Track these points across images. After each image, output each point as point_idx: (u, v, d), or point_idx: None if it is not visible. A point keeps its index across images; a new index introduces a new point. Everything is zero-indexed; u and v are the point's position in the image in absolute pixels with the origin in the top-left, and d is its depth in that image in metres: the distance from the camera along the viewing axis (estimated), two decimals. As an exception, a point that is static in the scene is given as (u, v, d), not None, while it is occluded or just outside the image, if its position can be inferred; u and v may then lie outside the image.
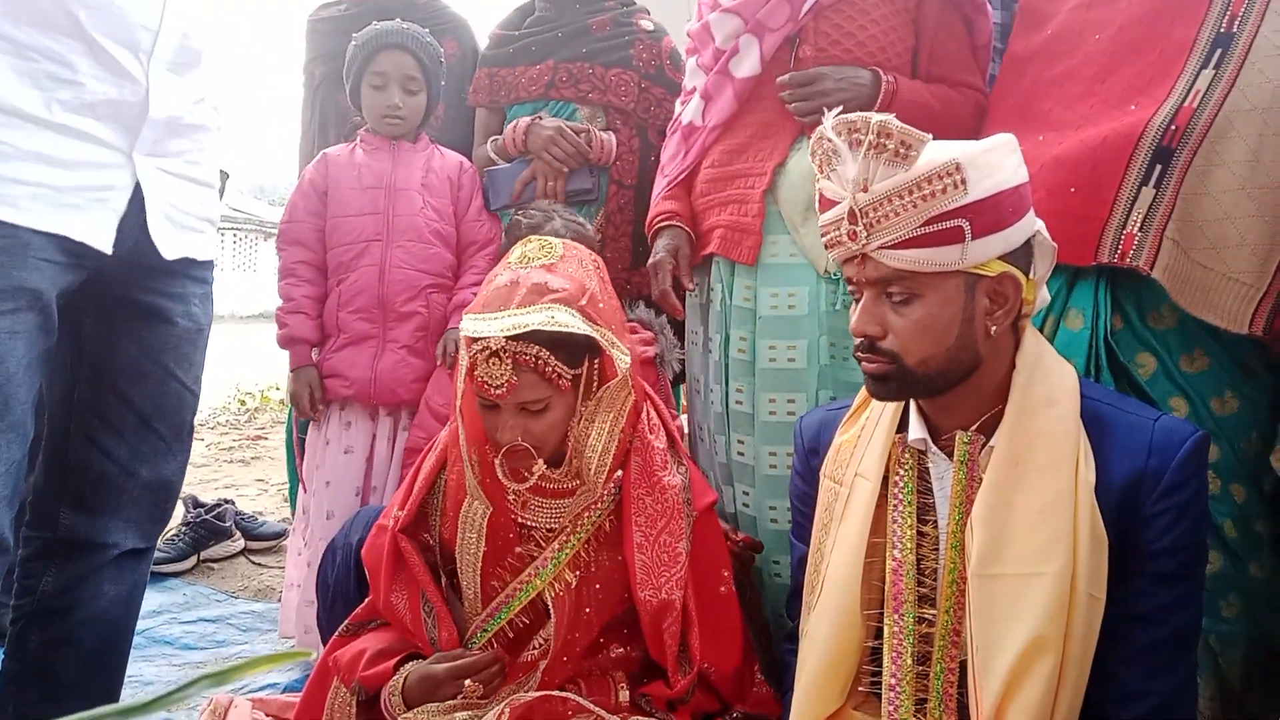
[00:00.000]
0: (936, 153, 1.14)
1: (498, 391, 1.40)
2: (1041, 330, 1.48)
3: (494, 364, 1.39)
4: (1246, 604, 1.43)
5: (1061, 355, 1.45)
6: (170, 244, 1.53)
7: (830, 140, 1.18)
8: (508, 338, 1.38)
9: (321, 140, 2.60)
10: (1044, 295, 1.31)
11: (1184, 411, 1.43)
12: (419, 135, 2.33)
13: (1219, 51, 1.42)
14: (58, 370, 1.56)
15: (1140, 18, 1.51)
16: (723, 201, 1.93)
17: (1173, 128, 1.40)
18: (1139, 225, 1.40)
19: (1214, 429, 1.42)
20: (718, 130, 1.96)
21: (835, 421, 1.44)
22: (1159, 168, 1.40)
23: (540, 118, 2.27)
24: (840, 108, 1.19)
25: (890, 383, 1.23)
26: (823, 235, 1.24)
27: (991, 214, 1.15)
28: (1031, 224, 1.22)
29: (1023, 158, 1.41)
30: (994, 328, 1.21)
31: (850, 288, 1.27)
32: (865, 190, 1.15)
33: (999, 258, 1.18)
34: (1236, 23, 1.43)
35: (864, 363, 1.24)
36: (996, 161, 1.17)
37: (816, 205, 1.26)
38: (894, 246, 1.15)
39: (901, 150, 1.12)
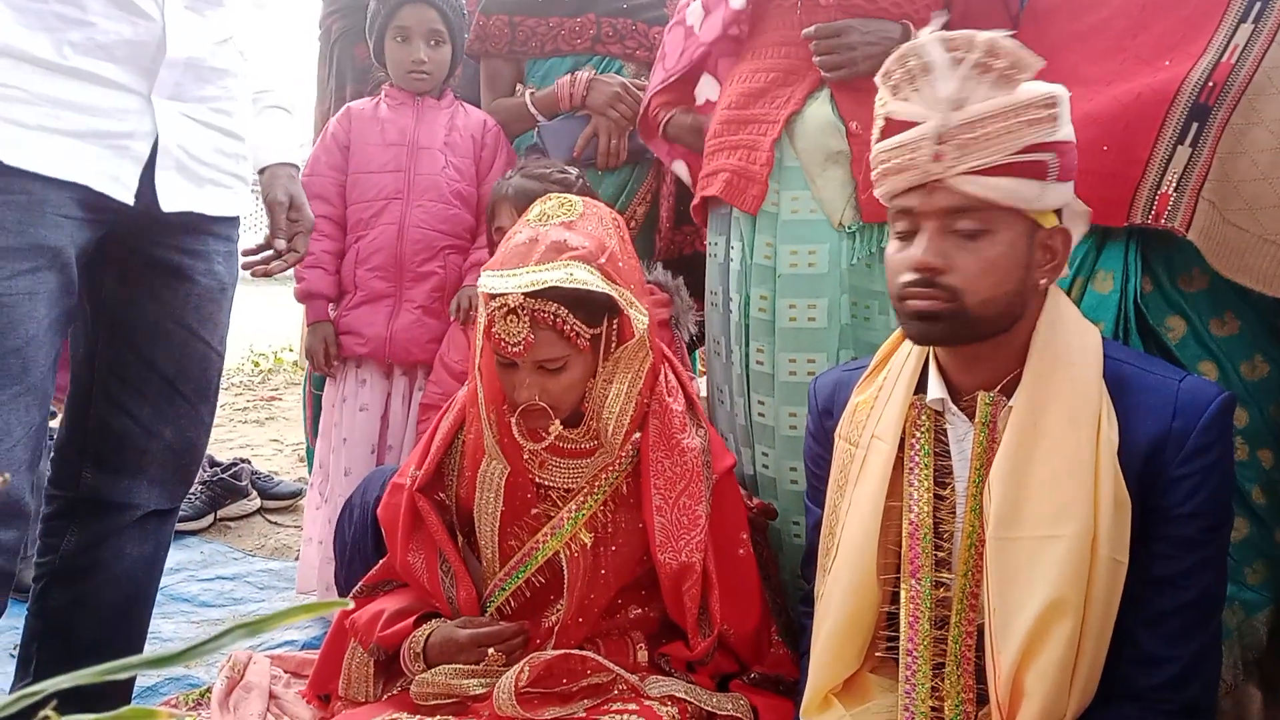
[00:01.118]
0: (1033, 83, 1.11)
1: (515, 349, 1.39)
2: (1069, 292, 1.46)
3: (511, 321, 1.38)
4: (1272, 571, 1.42)
5: (1089, 318, 1.43)
6: (175, 196, 1.46)
7: (921, 57, 1.12)
8: (525, 295, 1.37)
9: (339, 95, 2.58)
10: (1099, 274, 1.32)
11: (1214, 376, 1.41)
12: (444, 91, 2.30)
13: (1258, 5, 1.38)
14: (79, 329, 1.54)
15: None
16: (733, 145, 1.88)
17: (1210, 84, 1.36)
18: (1174, 185, 1.37)
19: (1243, 394, 1.40)
20: (705, 49, 1.96)
21: (850, 382, 1.41)
22: (1195, 126, 1.36)
23: (592, 73, 2.21)
24: (933, 23, 1.15)
25: (941, 322, 1.16)
26: (883, 161, 1.18)
27: (1068, 159, 1.15)
28: (1073, 190, 1.21)
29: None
30: (1044, 280, 1.19)
31: (901, 224, 1.20)
32: (959, 109, 1.10)
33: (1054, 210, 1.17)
34: (1277, -27, 1.38)
35: (915, 300, 1.16)
36: (1069, 111, 1.16)
37: (876, 132, 1.20)
38: (983, 173, 1.10)
39: (1011, 72, 1.08)
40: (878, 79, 1.18)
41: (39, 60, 1.30)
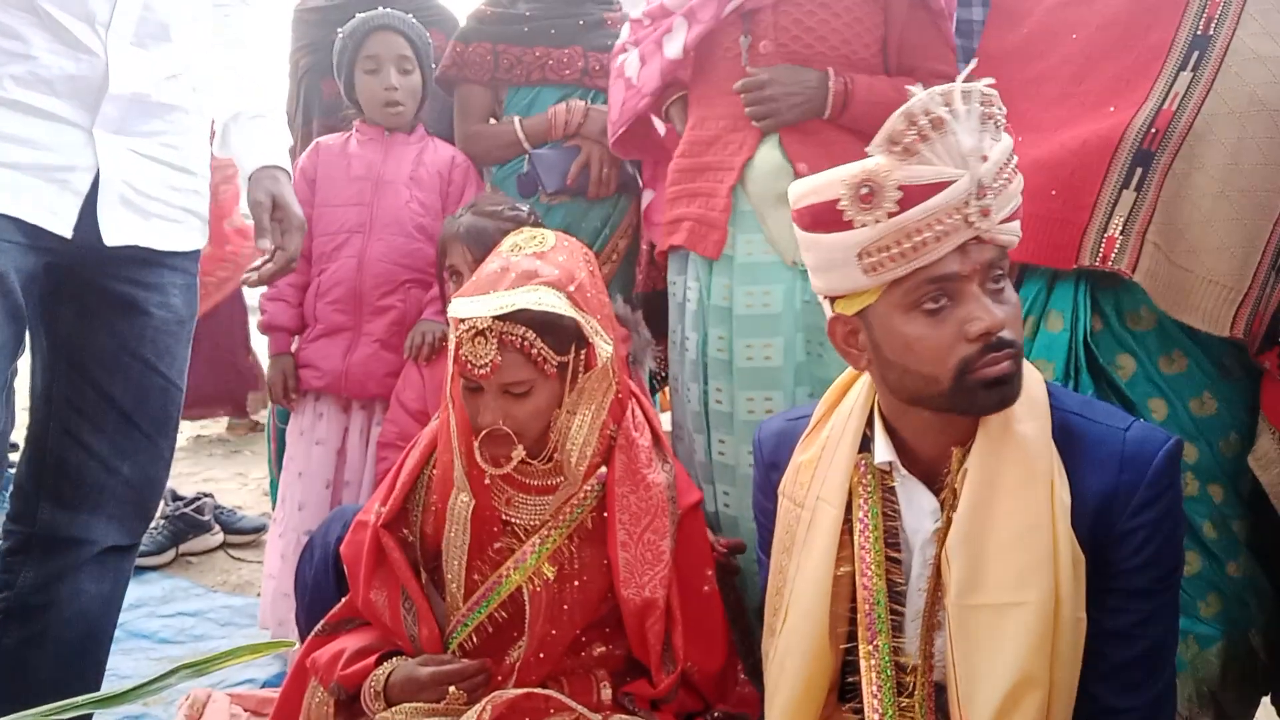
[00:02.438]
0: None
1: (481, 371, 1.40)
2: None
3: (479, 343, 1.39)
4: (1225, 604, 1.44)
5: (1041, 357, 1.46)
6: (118, 230, 1.46)
7: (933, 112, 1.05)
8: (494, 318, 1.38)
9: (305, 130, 2.58)
10: (1051, 315, 1.38)
11: (1163, 412, 1.44)
12: (415, 125, 2.32)
13: (1196, 54, 1.43)
14: (37, 364, 1.53)
15: (1117, 19, 1.51)
16: (691, 194, 1.93)
17: (1152, 130, 1.41)
18: (1120, 228, 1.41)
19: (1192, 429, 1.43)
20: (649, 99, 1.99)
21: (794, 434, 1.36)
22: (1139, 170, 1.41)
23: (587, 103, 2.23)
24: (919, 86, 1.09)
25: (1016, 379, 1.10)
26: (921, 233, 1.06)
27: None
28: None
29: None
30: None
31: (930, 300, 1.09)
32: (986, 160, 1.06)
33: None
34: (1213, 25, 1.43)
35: (995, 366, 1.08)
36: None
37: (892, 205, 1.07)
38: (1009, 220, 1.10)
39: (1002, 119, 1.09)
40: (875, 147, 1.08)
41: None
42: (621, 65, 2.07)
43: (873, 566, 1.21)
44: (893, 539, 1.22)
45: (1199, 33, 1.44)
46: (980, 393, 1.10)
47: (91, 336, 1.52)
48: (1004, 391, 1.10)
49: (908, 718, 1.19)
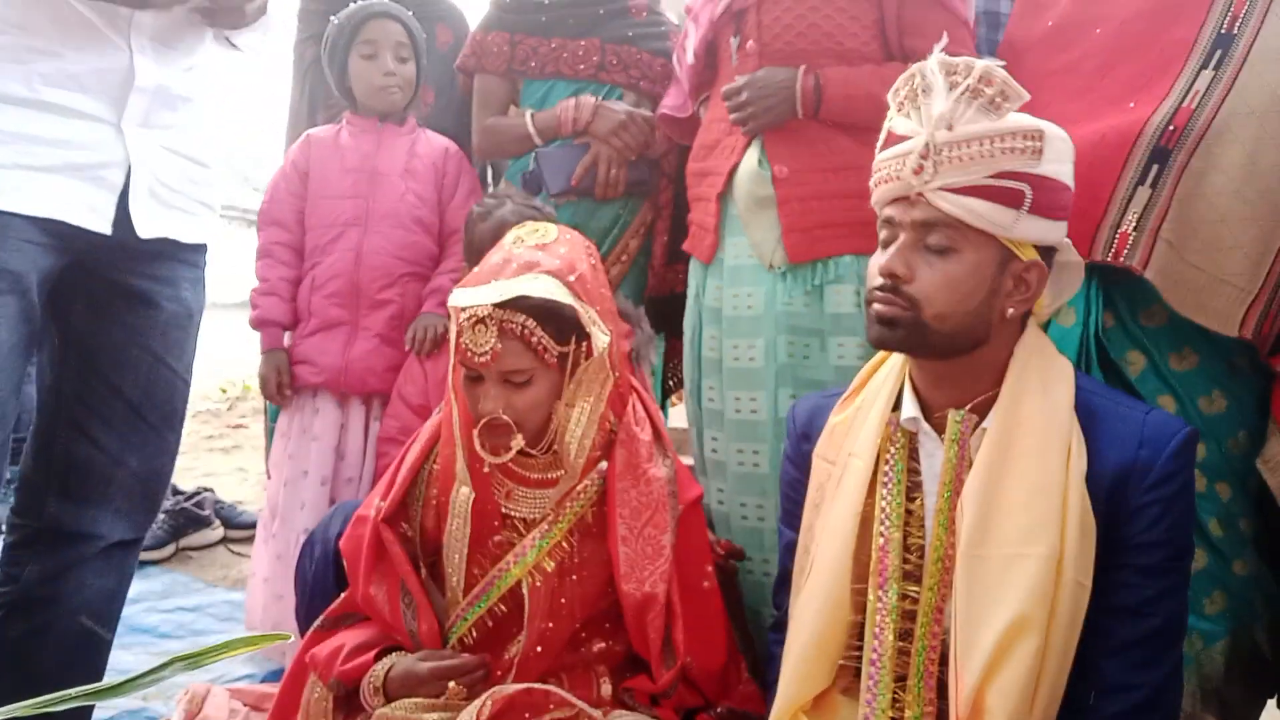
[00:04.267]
0: (1020, 115, 1.17)
1: (482, 359, 1.39)
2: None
3: (480, 330, 1.39)
4: (1230, 602, 1.44)
5: (1053, 350, 1.46)
6: (149, 222, 1.48)
7: (924, 77, 1.18)
8: (495, 305, 1.38)
9: (309, 122, 2.57)
10: (1062, 309, 1.37)
11: (1172, 409, 1.43)
12: (406, 117, 2.29)
13: (1219, 52, 1.42)
14: (46, 358, 1.53)
15: (1142, 13, 1.50)
16: (695, 198, 1.97)
17: (1171, 128, 1.40)
18: (1134, 225, 1.40)
19: (1201, 427, 1.41)
20: (688, 102, 2.01)
21: (828, 408, 1.44)
22: (1156, 168, 1.40)
23: (598, 99, 2.16)
24: (936, 52, 1.20)
25: (899, 329, 1.22)
26: (877, 171, 1.24)
27: (1049, 195, 1.18)
28: (1064, 233, 1.25)
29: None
30: (1011, 310, 1.23)
31: (883, 233, 1.25)
32: (949, 129, 1.15)
33: (1035, 245, 1.21)
34: (1237, 24, 1.42)
35: (878, 304, 1.22)
36: (1065, 153, 1.21)
37: (880, 144, 1.25)
38: (957, 190, 1.16)
39: (998, 100, 1.14)
40: (890, 96, 1.24)
41: (10, 96, 1.31)
42: (675, 59, 2.07)
43: (891, 517, 1.27)
44: (914, 494, 1.28)
45: (1223, 31, 1.43)
46: (869, 325, 1.26)
47: (103, 330, 1.53)
48: (880, 331, 1.24)
49: (904, 661, 1.23)
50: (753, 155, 1.82)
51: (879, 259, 1.24)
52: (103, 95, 1.40)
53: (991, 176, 1.15)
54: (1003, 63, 1.19)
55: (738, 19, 1.84)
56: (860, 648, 1.27)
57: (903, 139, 1.20)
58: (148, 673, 0.41)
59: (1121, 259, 1.41)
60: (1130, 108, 1.44)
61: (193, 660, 0.40)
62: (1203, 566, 1.42)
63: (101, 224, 1.41)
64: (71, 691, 0.39)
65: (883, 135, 1.24)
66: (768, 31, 1.80)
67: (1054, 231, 1.22)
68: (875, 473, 1.30)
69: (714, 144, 1.92)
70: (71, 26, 1.35)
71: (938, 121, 1.16)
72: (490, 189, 2.54)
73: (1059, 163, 1.20)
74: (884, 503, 1.28)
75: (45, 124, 1.34)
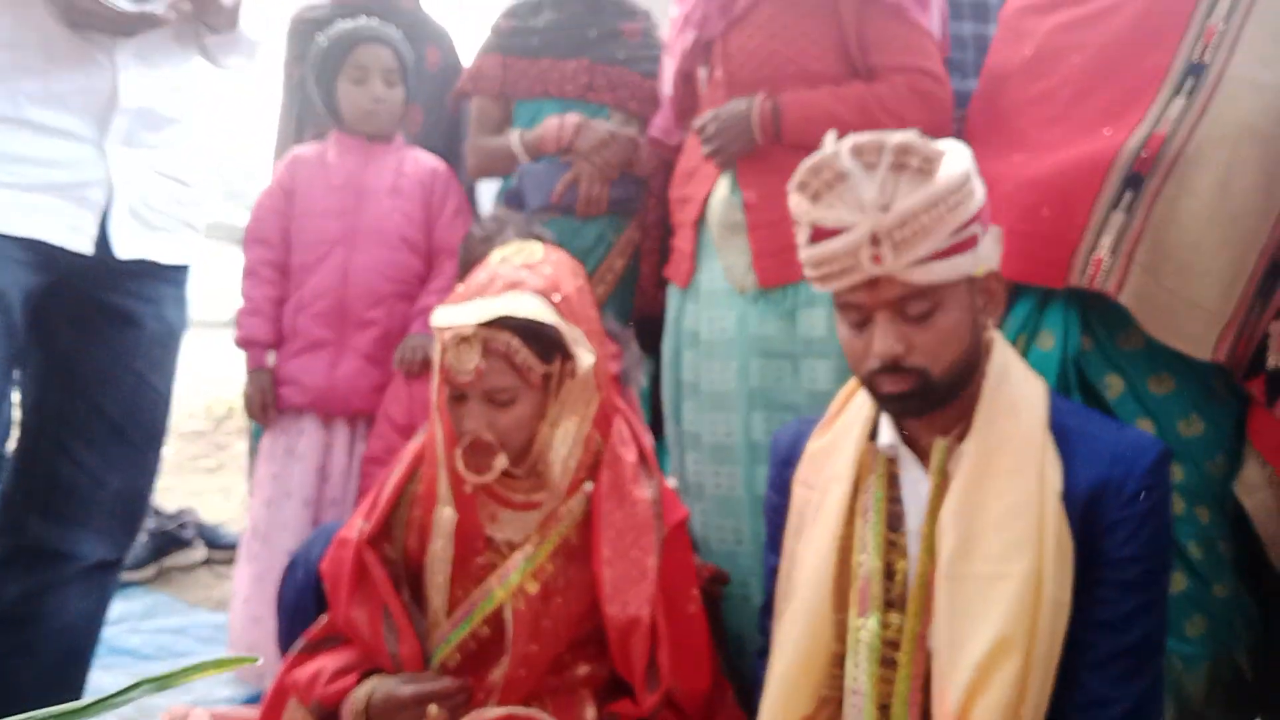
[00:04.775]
0: (946, 164, 1.15)
1: (465, 377, 1.40)
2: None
3: (463, 349, 1.39)
4: (1211, 625, 1.45)
5: (1033, 373, 1.47)
6: (129, 243, 1.47)
7: (835, 168, 1.16)
8: (479, 324, 1.38)
9: (298, 140, 2.56)
10: (1041, 332, 1.42)
11: (1151, 433, 1.43)
12: (394, 135, 2.29)
13: (1191, 80, 1.44)
14: (29, 377, 1.53)
15: (1117, 42, 1.52)
16: (675, 224, 2.01)
17: (1144, 154, 1.42)
18: (1109, 250, 1.42)
19: (1180, 450, 1.43)
20: (673, 132, 2.05)
21: (809, 433, 1.45)
22: (1129, 193, 1.42)
23: (582, 118, 2.17)
24: (833, 132, 1.19)
25: (915, 398, 1.22)
26: (822, 266, 1.20)
27: (987, 215, 1.21)
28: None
29: (998, 176, 1.42)
30: (990, 321, 1.26)
31: (850, 315, 1.24)
32: (887, 210, 1.13)
33: None
34: (1208, 52, 1.45)
35: (887, 385, 1.22)
36: (973, 164, 1.21)
37: (804, 238, 1.22)
38: (923, 262, 1.15)
39: (926, 166, 1.13)
40: (791, 187, 1.21)
41: None
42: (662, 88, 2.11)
43: (871, 545, 1.27)
44: (895, 522, 1.29)
45: (1194, 60, 1.45)
46: (883, 403, 1.27)
47: (85, 349, 1.52)
48: (903, 404, 1.24)
49: (887, 689, 1.23)
50: (724, 182, 1.84)
51: (864, 341, 1.22)
52: (87, 114, 1.40)
53: (950, 235, 1.15)
54: (915, 132, 1.16)
55: (706, 50, 1.86)
56: (841, 676, 1.27)
57: (835, 231, 1.16)
58: (117, 693, 0.41)
59: (1096, 284, 1.42)
60: (1105, 134, 1.46)
61: (162, 681, 0.40)
62: (1182, 589, 1.43)
63: (83, 244, 1.40)
64: (39, 713, 0.39)
65: (805, 230, 1.20)
66: (733, 60, 1.82)
67: (992, 239, 1.24)
68: (855, 500, 1.31)
69: (692, 170, 1.94)
70: (58, 46, 1.35)
71: (874, 205, 1.14)
72: (476, 209, 2.54)
73: (978, 178, 1.20)
74: (864, 531, 1.29)
75: (29, 143, 1.34)
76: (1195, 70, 1.44)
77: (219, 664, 0.41)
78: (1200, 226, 1.38)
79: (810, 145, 1.74)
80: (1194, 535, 1.44)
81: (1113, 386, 1.47)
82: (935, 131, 1.49)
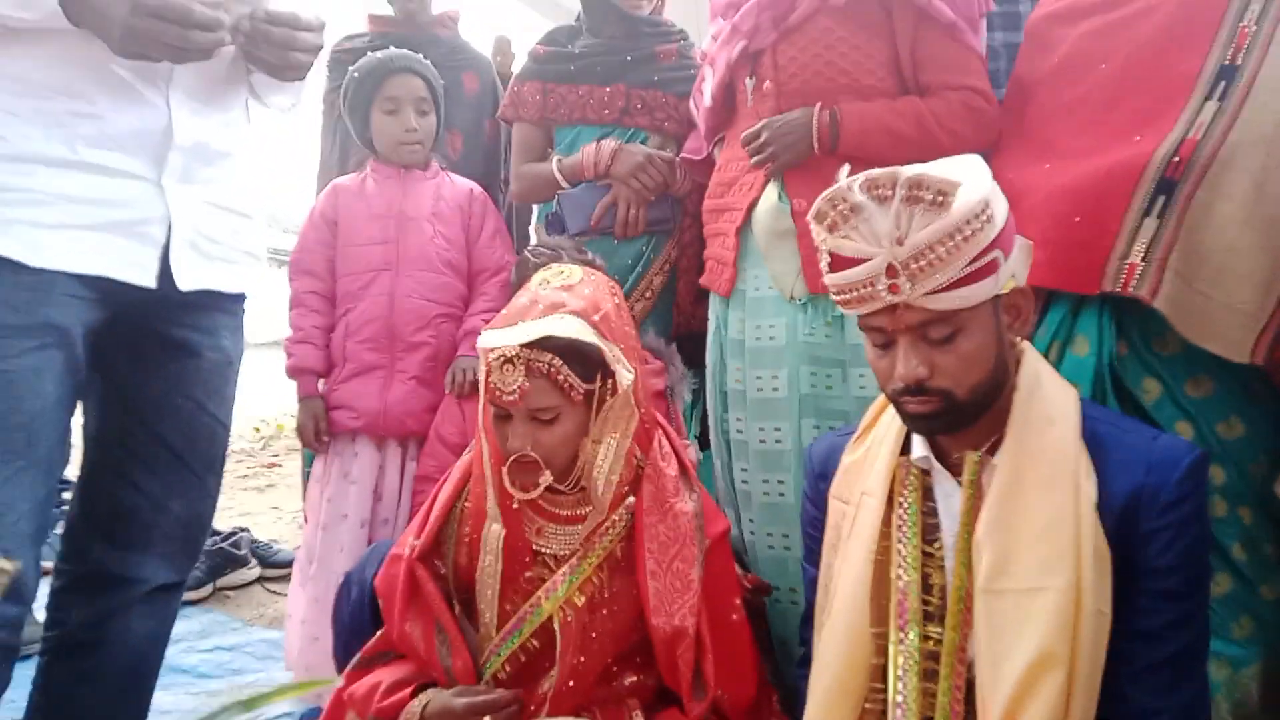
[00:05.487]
0: (963, 193, 1.15)
1: (510, 397, 1.44)
2: (1047, 357, 1.50)
3: (507, 370, 1.43)
4: (1258, 627, 1.43)
5: (1069, 381, 1.47)
6: (190, 275, 1.52)
7: (849, 200, 1.17)
8: (521, 345, 1.43)
9: (341, 169, 2.63)
10: (1077, 339, 1.42)
11: (1190, 436, 1.44)
12: (429, 162, 2.34)
13: (1224, 83, 1.44)
14: (90, 407, 1.57)
15: (1146, 48, 1.52)
16: (713, 233, 2.02)
17: (1176, 159, 1.42)
18: (1142, 255, 1.42)
19: (1220, 453, 1.43)
20: (704, 144, 2.07)
21: (843, 446, 1.47)
22: (1162, 199, 1.42)
23: (619, 143, 2.22)
24: (847, 166, 1.21)
25: (941, 418, 1.23)
26: (844, 293, 1.22)
27: (1009, 237, 1.21)
28: (1018, 237, 1.27)
29: (1030, 185, 1.43)
30: (1017, 339, 1.26)
31: (874, 336, 1.25)
32: (901, 243, 1.14)
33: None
34: (1241, 55, 1.44)
35: (913, 406, 1.23)
36: (996, 187, 1.21)
37: (825, 265, 1.24)
38: (940, 291, 1.16)
39: (939, 199, 1.13)
40: (810, 216, 1.23)
41: (53, 159, 1.36)
42: (691, 105, 2.14)
43: (908, 559, 1.28)
44: (930, 534, 1.29)
45: (1227, 62, 1.45)
46: (909, 422, 1.29)
47: (145, 380, 1.56)
48: (929, 424, 1.26)
49: (930, 702, 1.23)
50: (772, 191, 1.85)
51: (881, 362, 1.25)
52: (142, 154, 1.45)
53: (967, 264, 1.15)
54: (922, 167, 1.17)
55: (754, 60, 1.88)
56: (883, 689, 1.27)
57: (854, 261, 1.18)
58: (207, 716, 0.44)
59: (1130, 290, 1.42)
60: (1136, 141, 1.46)
61: (247, 704, 0.44)
62: (1227, 590, 1.42)
63: (145, 278, 1.45)
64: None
65: (825, 256, 1.23)
66: (784, 71, 1.84)
67: (1019, 254, 1.24)
68: (890, 514, 1.31)
69: (731, 181, 1.96)
70: (112, 89, 1.40)
71: (889, 238, 1.15)
72: (514, 231, 2.59)
73: (1001, 202, 1.20)
74: (900, 545, 1.30)
75: (87, 184, 1.39)
76: (1227, 73, 1.44)
77: (300, 686, 0.45)
78: (1235, 230, 1.38)
79: (864, 157, 1.77)
80: (1238, 537, 1.43)
81: (1150, 391, 1.47)
82: (983, 148, 1.51)
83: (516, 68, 2.50)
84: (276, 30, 1.45)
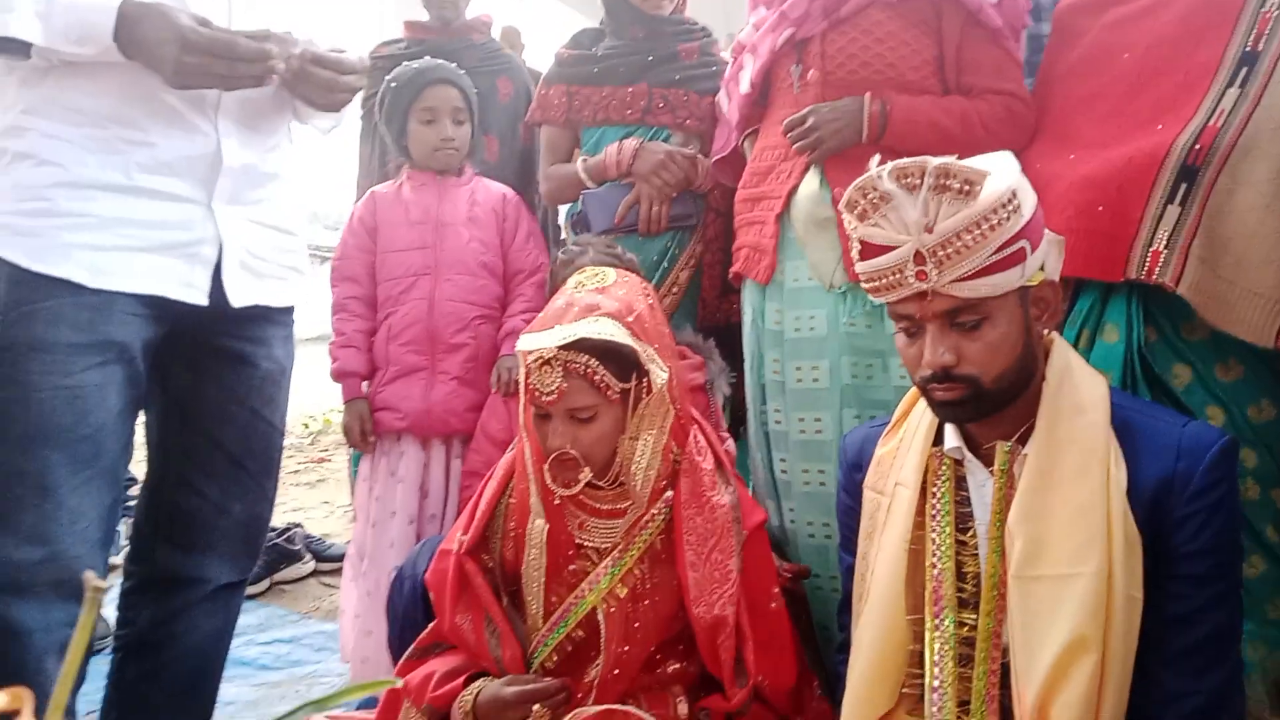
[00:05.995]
0: (990, 183, 1.17)
1: (549, 398, 1.48)
2: (1077, 344, 1.52)
3: (546, 371, 1.48)
4: (1293, 607, 1.44)
5: (1098, 368, 1.49)
6: (242, 292, 1.58)
7: (879, 189, 1.19)
8: (559, 347, 1.47)
9: (380, 172, 2.68)
10: (1106, 326, 1.42)
11: (1220, 420, 1.45)
12: (463, 168, 2.38)
13: (1245, 70, 1.45)
14: (153, 417, 1.65)
15: (1167, 38, 1.53)
16: (748, 222, 2.02)
17: (1197, 147, 1.43)
18: (1165, 242, 1.43)
19: (1251, 436, 1.44)
20: (735, 133, 2.08)
21: (877, 437, 1.49)
22: (1184, 186, 1.43)
23: (641, 141, 2.25)
24: (878, 156, 1.23)
25: (968, 405, 1.26)
26: (874, 280, 1.25)
27: (1037, 228, 1.23)
28: (1047, 231, 1.28)
29: (1054, 175, 1.44)
30: (1045, 331, 1.28)
31: (903, 323, 1.28)
32: (930, 231, 1.17)
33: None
34: (1263, 40, 1.45)
35: (940, 392, 1.26)
36: (1024, 179, 1.23)
37: (855, 253, 1.27)
38: (967, 279, 1.18)
39: (966, 188, 1.15)
40: (841, 205, 1.26)
41: (109, 185, 1.43)
42: (719, 101, 2.16)
43: (942, 548, 1.31)
44: (964, 522, 1.32)
45: (1248, 49, 1.46)
46: (935, 409, 1.32)
47: (203, 390, 1.63)
48: (955, 411, 1.29)
49: (966, 687, 1.26)
50: (813, 178, 1.86)
51: (910, 349, 1.28)
52: (193, 178, 1.51)
53: (993, 253, 1.17)
54: (953, 157, 1.18)
55: (799, 49, 1.90)
56: (920, 674, 1.30)
57: (884, 248, 1.21)
58: (285, 715, 0.49)
59: (1154, 276, 1.44)
60: (1158, 129, 1.47)
61: (320, 704, 0.49)
62: (1261, 572, 1.44)
63: (198, 297, 1.52)
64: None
65: (856, 245, 1.26)
66: (831, 61, 1.85)
67: (1047, 247, 1.26)
68: (924, 504, 1.34)
69: (768, 170, 1.97)
70: (163, 117, 1.47)
71: (916, 227, 1.18)
72: (549, 232, 2.63)
73: (1029, 194, 1.22)
74: (934, 534, 1.32)
75: (142, 208, 1.45)
76: (1249, 59, 1.45)
77: (366, 686, 0.50)
78: (1257, 216, 1.39)
79: (906, 149, 1.77)
80: (1271, 519, 1.45)
81: (1180, 376, 1.48)
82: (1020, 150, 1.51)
83: (526, 57, 2.52)
84: (322, 73, 1.51)
